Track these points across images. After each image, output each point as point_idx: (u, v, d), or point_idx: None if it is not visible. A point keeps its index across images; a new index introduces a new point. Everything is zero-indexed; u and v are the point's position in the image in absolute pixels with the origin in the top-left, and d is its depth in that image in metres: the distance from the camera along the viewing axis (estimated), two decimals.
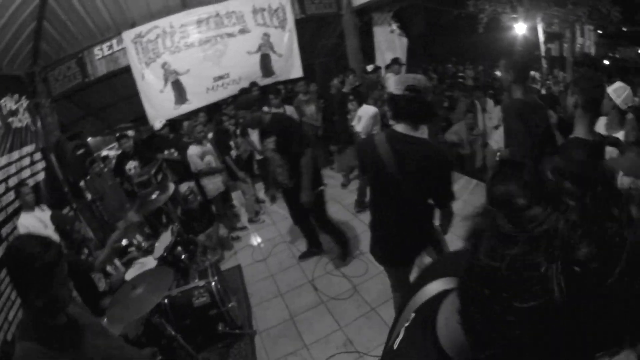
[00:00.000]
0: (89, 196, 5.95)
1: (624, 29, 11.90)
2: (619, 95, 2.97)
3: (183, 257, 3.50)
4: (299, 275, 4.05)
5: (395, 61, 6.50)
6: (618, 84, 3.07)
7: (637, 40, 12.46)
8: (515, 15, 10.73)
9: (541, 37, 11.61)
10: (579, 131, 2.15)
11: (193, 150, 4.84)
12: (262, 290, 3.94)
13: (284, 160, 3.72)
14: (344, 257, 4.15)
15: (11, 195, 4.58)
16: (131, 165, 5.64)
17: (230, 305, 3.40)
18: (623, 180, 2.14)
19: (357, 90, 6.04)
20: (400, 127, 2.22)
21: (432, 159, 2.18)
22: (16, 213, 4.50)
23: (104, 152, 9.09)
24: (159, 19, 6.82)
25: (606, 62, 13.75)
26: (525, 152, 2.46)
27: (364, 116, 4.99)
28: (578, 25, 12.40)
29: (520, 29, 11.30)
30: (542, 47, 11.93)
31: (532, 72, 11.93)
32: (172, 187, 4.20)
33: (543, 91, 9.65)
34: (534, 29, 11.39)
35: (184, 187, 5.07)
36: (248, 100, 3.93)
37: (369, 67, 6.86)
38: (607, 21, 10.30)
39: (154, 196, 4.13)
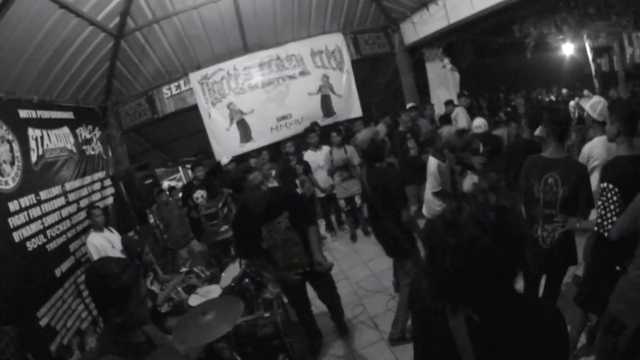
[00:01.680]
0: (153, 222, 6.29)
1: None
2: (594, 110, 3.26)
3: (251, 288, 3.62)
4: (359, 311, 4.10)
5: (461, 94, 6.85)
6: (595, 99, 3.42)
7: None
8: (561, 36, 10.53)
9: (589, 54, 11.22)
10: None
11: None
12: (323, 327, 3.90)
13: (300, 238, 3.24)
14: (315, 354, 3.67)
15: (82, 215, 5.00)
16: (199, 194, 5.92)
17: (292, 339, 3.47)
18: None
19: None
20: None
21: (384, 180, 3.33)
22: (84, 231, 4.91)
23: (165, 183, 9.59)
24: (223, 62, 7.35)
25: None
26: None
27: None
28: (625, 35, 11.98)
29: (567, 48, 11.08)
30: (592, 65, 11.52)
31: (586, 92, 11.60)
32: None
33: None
34: (581, 47, 11.07)
35: None
36: (238, 177, 3.05)
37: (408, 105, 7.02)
38: None
39: (222, 229, 4.34)
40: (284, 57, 7.55)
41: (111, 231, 4.89)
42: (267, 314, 3.30)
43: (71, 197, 4.96)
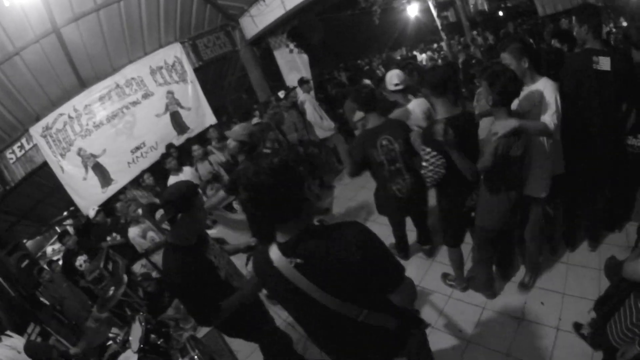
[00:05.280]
0: (47, 304, 5.80)
1: None
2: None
3: (159, 342, 3.60)
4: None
5: (302, 81, 6.77)
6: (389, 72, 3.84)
7: None
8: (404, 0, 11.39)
9: (433, 10, 12.28)
10: (440, 113, 2.59)
11: (133, 232, 4.76)
12: (245, 343, 3.59)
13: None
14: None
15: None
16: (80, 261, 5.52)
17: None
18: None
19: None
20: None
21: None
22: None
23: (48, 249, 8.79)
24: (61, 106, 6.68)
25: (500, 13, 14.71)
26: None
27: None
28: None
29: (412, 10, 11.93)
30: (437, 20, 12.63)
31: (435, 45, 12.73)
32: (125, 278, 4.26)
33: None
34: (425, 7, 12.07)
35: (138, 267, 5.07)
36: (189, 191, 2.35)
37: (281, 94, 6.94)
38: None
39: (110, 292, 4.18)
40: (123, 84, 7.07)
41: (10, 336, 4.07)
42: None
43: None
